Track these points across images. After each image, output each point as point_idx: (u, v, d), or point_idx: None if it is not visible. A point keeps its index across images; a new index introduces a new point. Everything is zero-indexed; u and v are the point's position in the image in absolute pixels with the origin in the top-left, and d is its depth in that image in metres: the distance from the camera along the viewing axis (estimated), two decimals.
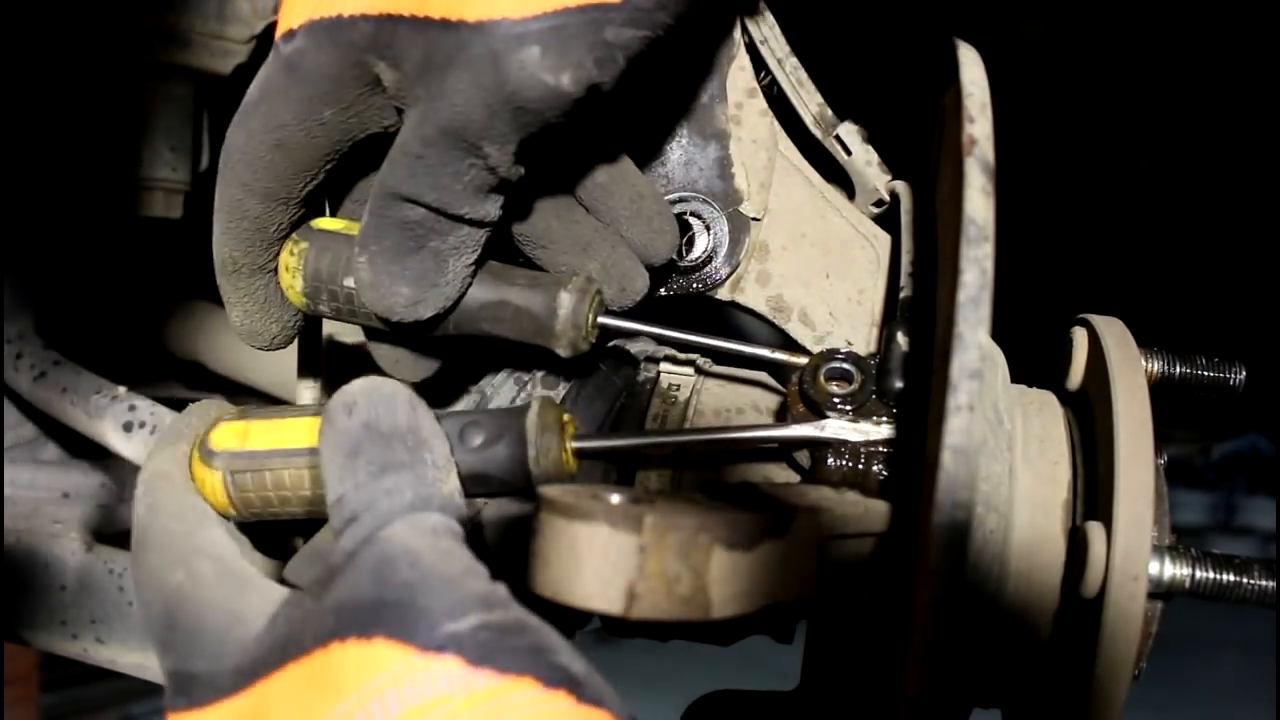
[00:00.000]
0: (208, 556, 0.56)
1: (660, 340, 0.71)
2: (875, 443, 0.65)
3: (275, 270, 0.68)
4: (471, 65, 0.56)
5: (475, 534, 0.64)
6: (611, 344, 0.79)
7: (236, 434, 0.62)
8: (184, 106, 1.07)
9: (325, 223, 0.68)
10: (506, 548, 0.69)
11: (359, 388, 0.56)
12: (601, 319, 0.68)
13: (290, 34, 0.60)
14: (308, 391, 0.82)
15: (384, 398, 0.55)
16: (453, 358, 0.75)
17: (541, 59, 0.55)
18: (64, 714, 3.49)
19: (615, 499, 0.54)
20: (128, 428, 0.94)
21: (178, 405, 1.01)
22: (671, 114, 0.77)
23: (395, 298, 0.63)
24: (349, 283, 0.66)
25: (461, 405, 0.80)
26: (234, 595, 0.54)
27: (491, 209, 0.62)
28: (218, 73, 1.07)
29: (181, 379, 1.33)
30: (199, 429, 0.64)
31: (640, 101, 0.62)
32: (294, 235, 0.67)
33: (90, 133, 1.07)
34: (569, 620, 0.68)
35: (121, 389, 0.98)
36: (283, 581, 0.62)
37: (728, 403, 0.76)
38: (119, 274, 1.29)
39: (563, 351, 0.67)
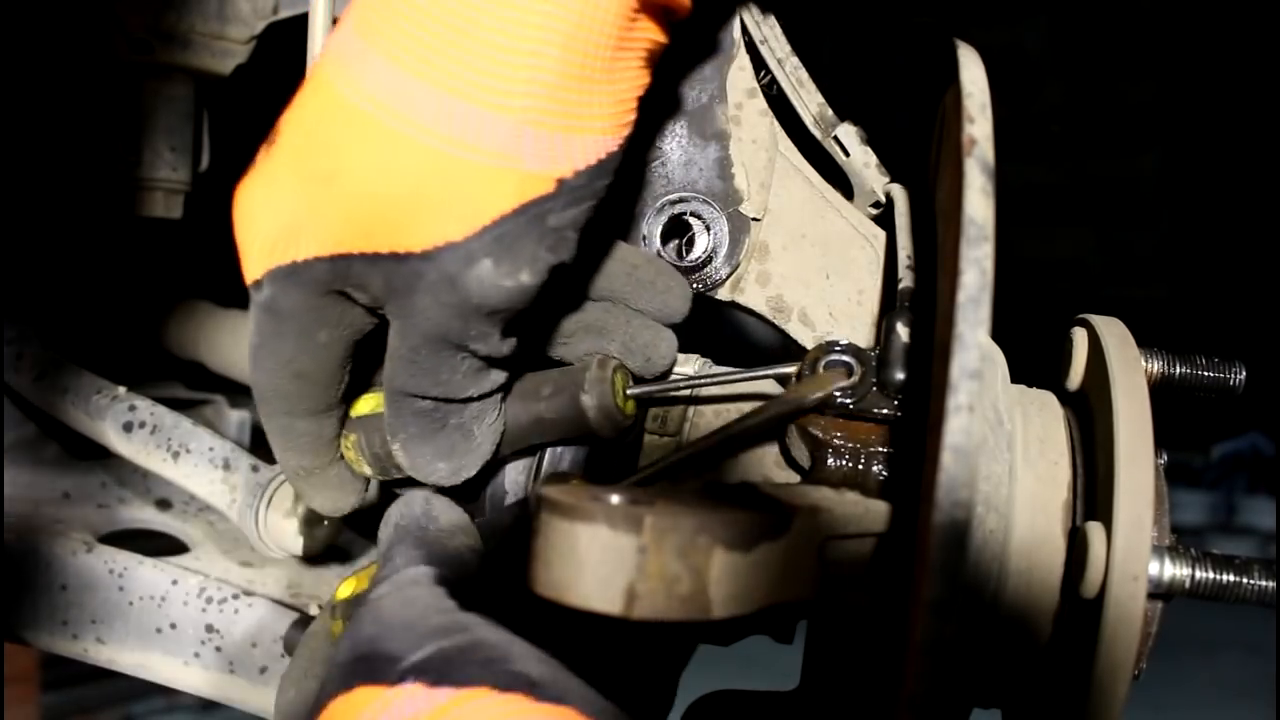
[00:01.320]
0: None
1: (693, 385, 0.73)
2: (874, 440, 0.65)
3: (341, 458, 0.72)
4: (431, 289, 0.58)
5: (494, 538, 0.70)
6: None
7: (354, 584, 0.71)
8: (184, 106, 1.07)
9: (363, 404, 0.71)
10: (507, 548, 0.69)
11: (394, 503, 0.69)
12: (631, 391, 0.70)
13: (257, 284, 0.62)
14: None
15: (404, 502, 0.69)
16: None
17: (496, 268, 0.57)
18: (64, 714, 3.49)
19: (615, 499, 0.54)
20: (128, 428, 0.94)
21: (178, 405, 1.01)
22: (672, 114, 0.77)
23: (437, 473, 0.68)
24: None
25: None
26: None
27: (496, 379, 0.66)
28: (218, 73, 1.07)
29: (181, 379, 1.33)
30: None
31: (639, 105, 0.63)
32: (345, 430, 0.71)
33: (90, 133, 1.07)
34: (571, 620, 0.68)
35: (121, 389, 0.98)
36: None
37: (727, 402, 0.75)
38: (119, 274, 1.29)
39: (609, 436, 0.70)
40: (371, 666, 0.51)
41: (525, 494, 0.75)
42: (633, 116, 0.61)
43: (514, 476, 0.76)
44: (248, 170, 0.62)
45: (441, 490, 0.71)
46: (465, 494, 0.73)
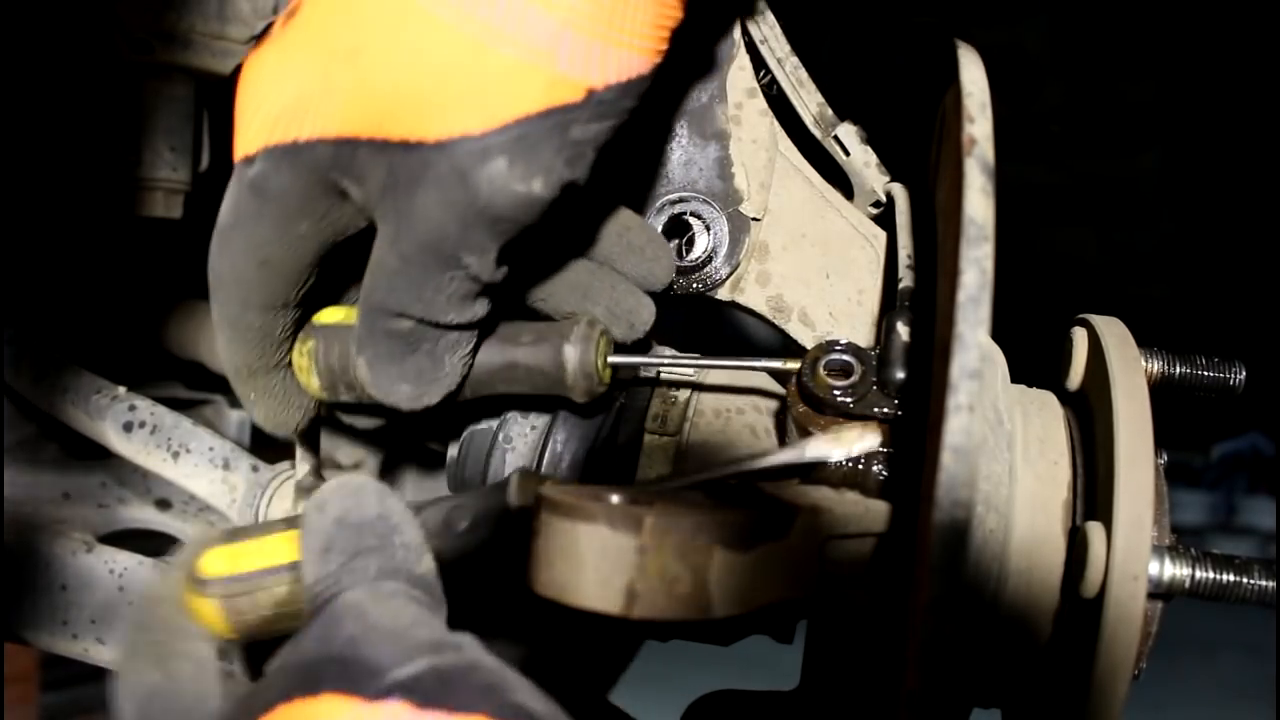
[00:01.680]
0: (187, 659, 0.57)
1: (672, 366, 0.72)
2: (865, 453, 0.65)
3: (288, 365, 0.69)
4: (439, 184, 0.56)
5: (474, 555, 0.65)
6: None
7: (227, 558, 0.63)
8: (184, 106, 1.07)
9: (328, 314, 0.68)
10: (508, 548, 0.69)
11: (330, 487, 0.58)
12: (612, 359, 0.68)
13: (249, 159, 0.59)
14: (304, 465, 0.84)
15: (353, 493, 0.57)
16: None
17: (510, 169, 0.55)
18: (65, 714, 3.49)
19: (615, 499, 0.54)
20: (128, 428, 0.94)
21: (178, 405, 1.01)
22: (671, 114, 0.77)
23: (398, 395, 0.64)
24: (349, 365, 0.67)
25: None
26: (209, 687, 0.55)
27: (479, 310, 0.63)
28: (218, 73, 1.07)
29: (181, 379, 1.33)
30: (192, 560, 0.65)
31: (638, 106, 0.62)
32: (301, 335, 0.68)
33: (90, 133, 1.07)
34: (571, 620, 0.68)
35: (121, 389, 0.98)
36: None
37: (727, 403, 0.76)
38: (119, 274, 1.29)
39: (579, 399, 0.68)
40: (347, 673, 0.46)
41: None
42: (665, 47, 0.58)
43: (515, 463, 0.76)
44: (259, 42, 0.60)
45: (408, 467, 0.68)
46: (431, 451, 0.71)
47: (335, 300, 0.70)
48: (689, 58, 0.77)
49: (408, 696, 0.44)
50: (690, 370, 0.77)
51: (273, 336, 0.66)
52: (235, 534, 0.66)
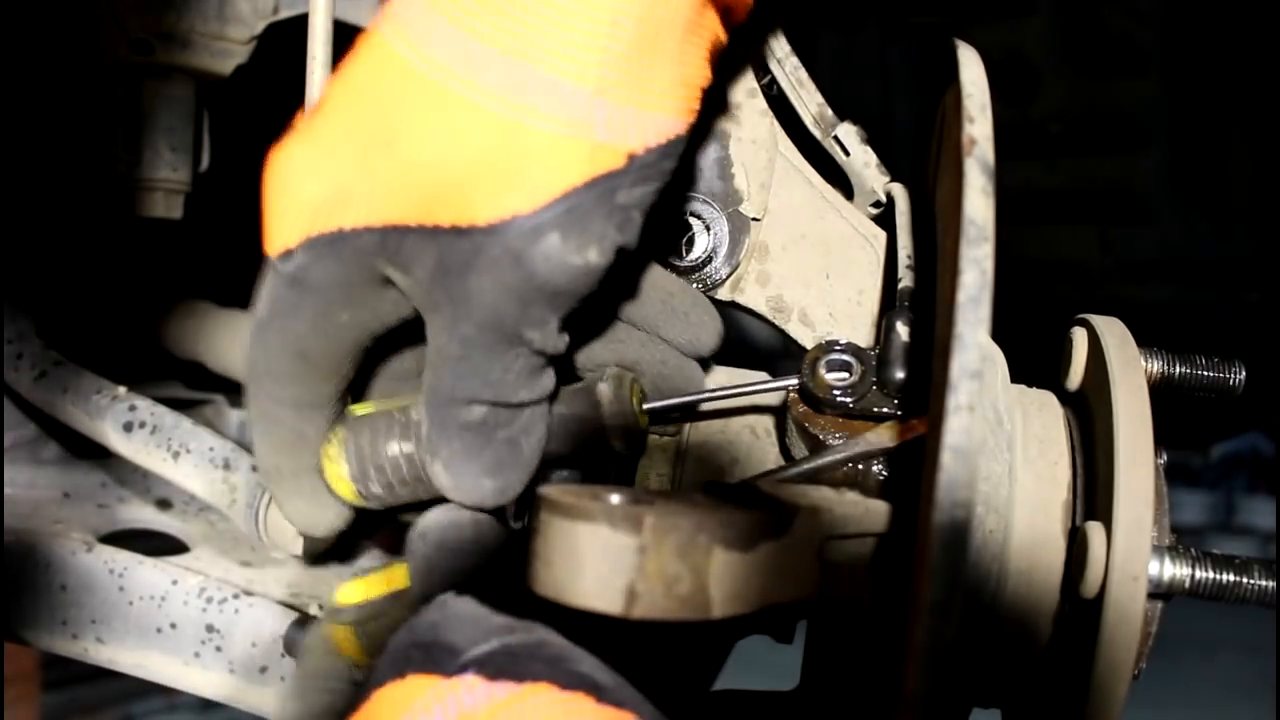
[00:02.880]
0: (329, 691, 0.63)
1: (701, 400, 0.72)
2: (878, 451, 0.65)
3: (319, 468, 0.67)
4: (494, 267, 0.55)
5: None
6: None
7: (359, 589, 0.69)
8: (184, 106, 1.07)
9: (357, 409, 0.67)
10: (508, 549, 0.69)
11: (431, 517, 0.64)
12: (648, 405, 0.68)
13: (288, 253, 0.58)
14: None
15: (452, 522, 0.63)
16: None
17: (564, 244, 0.55)
18: (65, 713, 3.49)
19: (615, 499, 0.54)
20: (128, 428, 0.94)
21: (178, 405, 1.01)
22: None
23: (482, 492, 0.63)
24: (394, 453, 0.65)
25: None
26: (340, 703, 0.61)
27: (547, 384, 0.62)
28: (218, 73, 1.07)
29: (181, 379, 1.33)
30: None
31: None
32: (330, 448, 0.66)
33: (90, 133, 1.07)
34: (571, 620, 0.68)
35: (121, 389, 0.98)
36: None
37: (727, 401, 0.75)
38: (119, 274, 1.29)
39: (619, 446, 0.67)
40: (429, 655, 0.49)
41: None
42: (697, 106, 0.58)
43: None
44: (281, 138, 0.59)
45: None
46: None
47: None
48: None
49: (480, 670, 0.47)
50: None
51: (305, 437, 0.65)
52: (364, 571, 0.71)
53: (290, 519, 0.69)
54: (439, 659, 0.48)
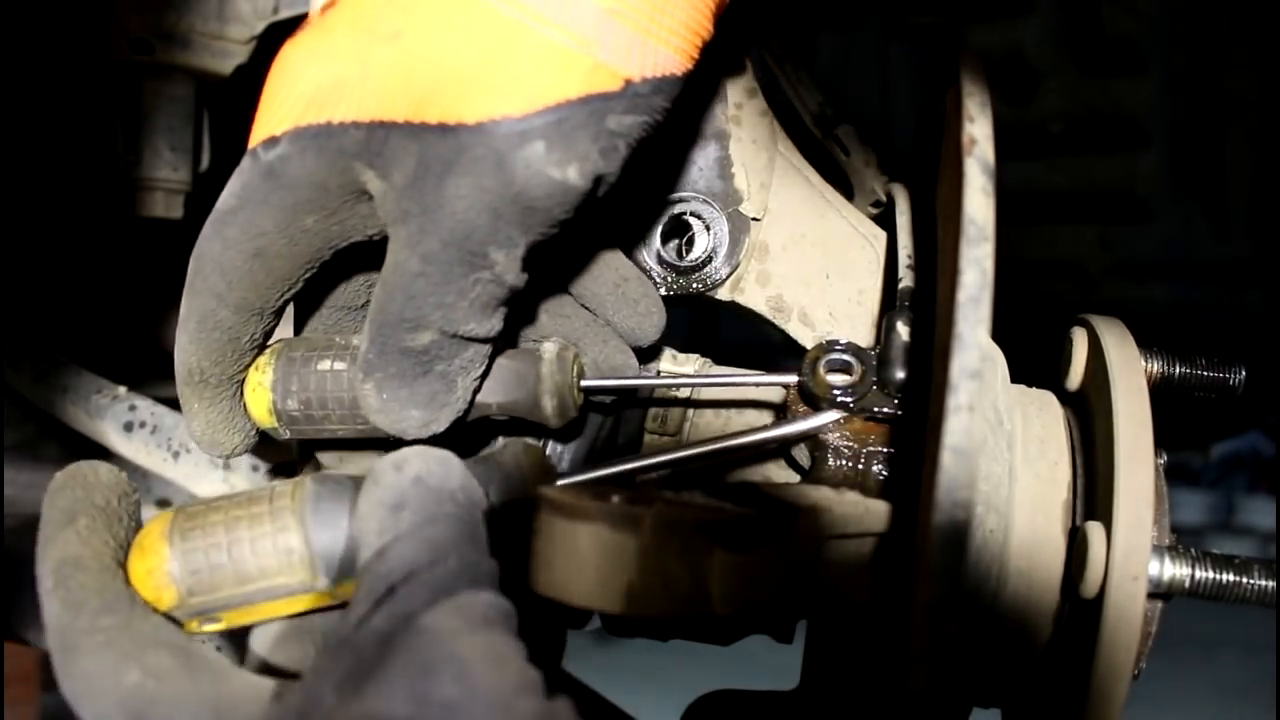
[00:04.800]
0: (161, 647, 0.49)
1: (645, 389, 0.71)
2: (874, 440, 0.65)
3: (242, 383, 0.65)
4: (473, 168, 0.55)
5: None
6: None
7: (190, 518, 0.56)
8: (184, 106, 1.07)
9: (291, 341, 0.66)
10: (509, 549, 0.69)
11: (413, 449, 0.54)
12: (585, 383, 0.67)
13: (272, 140, 0.57)
14: (305, 464, 0.77)
15: (439, 459, 0.54)
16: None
17: (547, 154, 0.54)
18: (65, 714, 3.49)
19: (615, 499, 0.54)
20: (128, 428, 0.94)
21: (178, 405, 1.01)
22: (671, 114, 0.77)
23: (407, 421, 0.62)
24: (323, 368, 0.63)
25: None
26: (211, 685, 0.48)
27: (498, 322, 0.61)
28: (218, 73, 1.07)
29: None
30: (94, 498, 0.56)
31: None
32: (261, 358, 0.64)
33: (90, 133, 1.07)
34: (569, 619, 0.68)
35: (121, 389, 0.98)
36: (267, 669, 0.57)
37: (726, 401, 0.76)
38: (119, 274, 1.29)
39: (553, 422, 0.66)
40: None
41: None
42: (697, 55, 0.59)
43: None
44: (295, 33, 0.59)
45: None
46: None
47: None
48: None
49: None
50: (696, 363, 0.77)
51: (238, 343, 0.63)
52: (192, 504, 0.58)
53: (194, 435, 0.67)
54: None
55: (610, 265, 0.70)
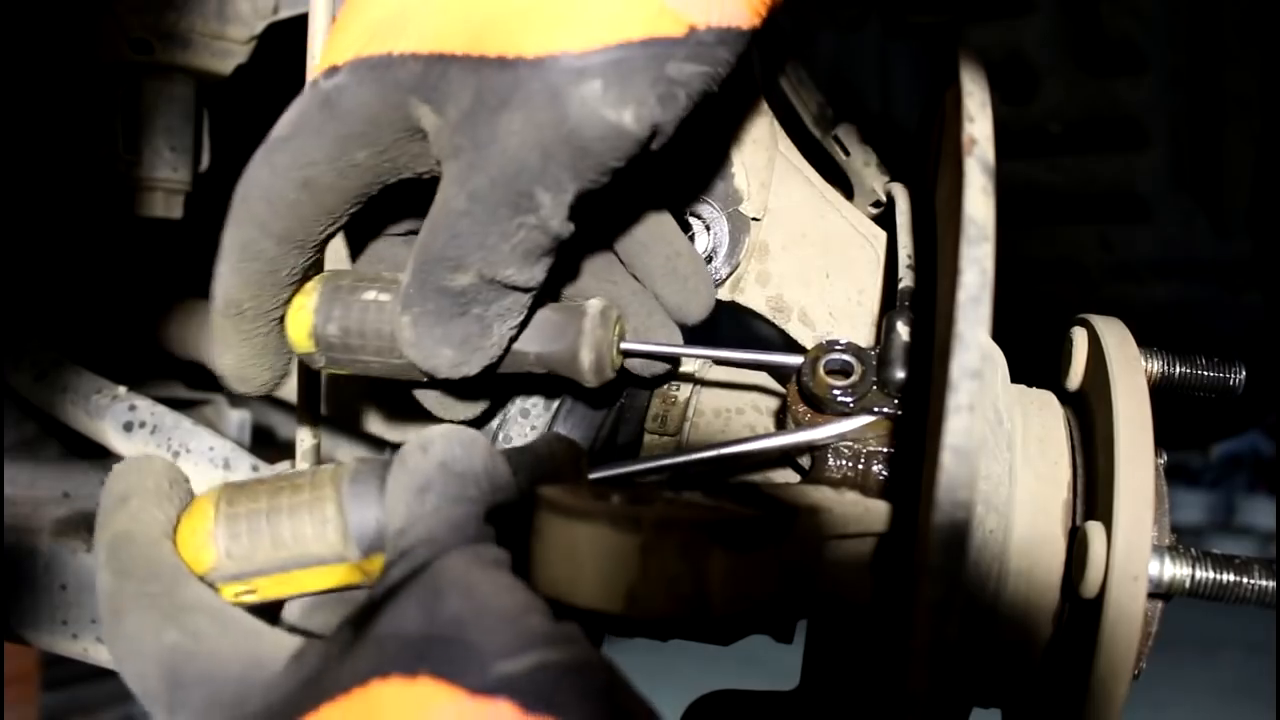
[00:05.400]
0: (199, 610, 0.51)
1: (684, 356, 0.70)
2: (874, 440, 0.65)
3: (281, 317, 0.64)
4: (528, 103, 0.54)
5: None
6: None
7: (236, 495, 0.57)
8: (184, 106, 1.07)
9: (339, 273, 0.65)
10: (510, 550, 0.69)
11: (438, 431, 0.55)
12: (624, 345, 0.67)
13: (333, 70, 0.57)
14: (307, 437, 0.77)
15: (463, 441, 0.54)
16: (497, 394, 0.74)
17: (604, 94, 0.53)
18: (65, 713, 3.49)
19: (616, 499, 0.54)
20: (128, 428, 0.94)
21: (178, 405, 1.01)
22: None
23: (439, 359, 0.61)
24: (368, 298, 0.63)
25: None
26: (243, 642, 0.50)
27: (539, 273, 0.60)
28: (218, 73, 1.07)
29: (181, 379, 1.33)
30: (145, 482, 0.58)
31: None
32: (307, 286, 0.64)
33: (90, 133, 1.07)
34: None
35: (122, 389, 0.98)
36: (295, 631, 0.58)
37: (727, 402, 0.76)
38: (119, 274, 1.29)
39: (590, 381, 0.65)
40: (451, 657, 0.42)
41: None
42: (765, 14, 0.57)
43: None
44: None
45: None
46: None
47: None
48: None
49: (515, 697, 0.41)
50: (697, 362, 0.77)
51: (278, 275, 0.62)
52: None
53: (224, 369, 0.66)
54: (463, 665, 0.42)
55: (664, 238, 0.69)
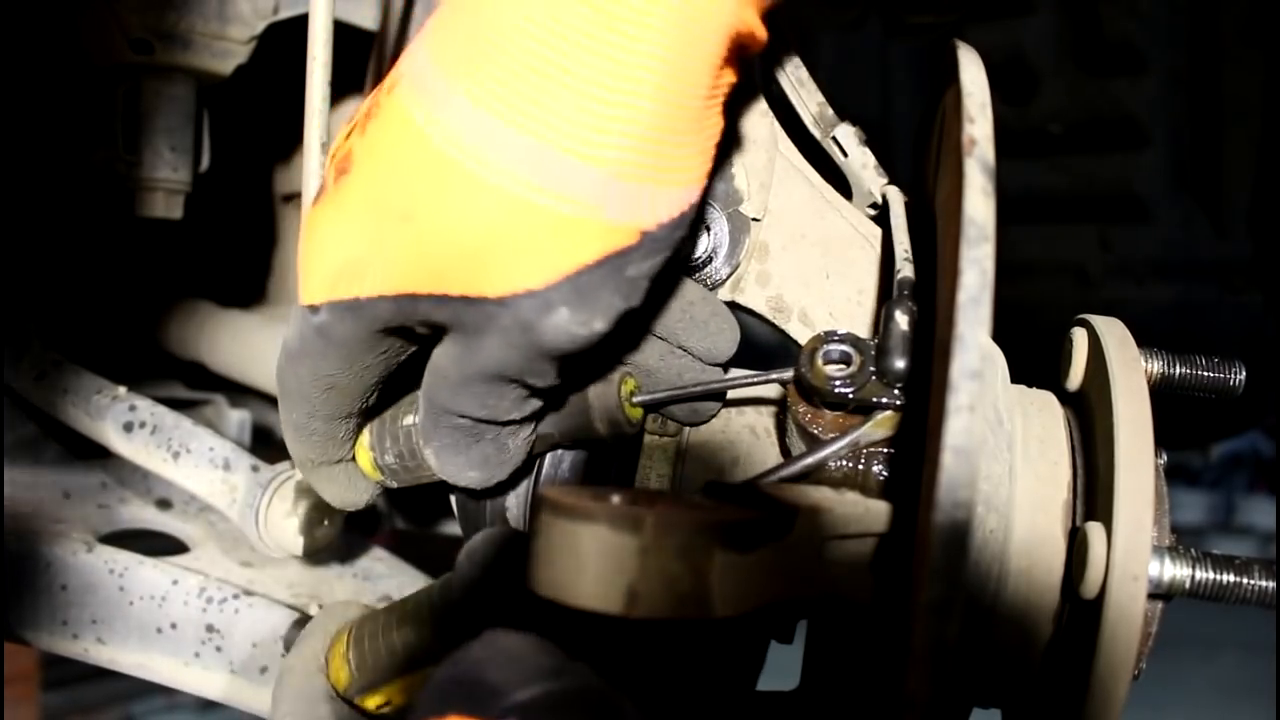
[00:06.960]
0: (329, 713, 0.67)
1: (696, 394, 0.72)
2: (875, 442, 0.65)
3: (351, 459, 0.73)
4: (503, 332, 0.58)
5: None
6: None
7: (381, 695, 0.71)
8: (184, 106, 1.07)
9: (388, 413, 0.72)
10: (510, 552, 0.69)
11: (480, 536, 0.69)
12: (638, 398, 0.70)
13: (314, 308, 0.61)
14: None
15: (497, 542, 0.67)
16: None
17: (572, 317, 0.56)
18: (65, 713, 3.49)
19: (615, 499, 0.54)
20: (128, 428, 0.94)
21: (178, 405, 1.01)
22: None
23: (467, 478, 0.68)
24: (408, 423, 0.71)
25: None
26: None
27: (539, 402, 0.65)
28: (218, 73, 1.07)
29: (181, 379, 1.33)
30: (328, 626, 0.74)
31: None
32: (365, 431, 0.72)
33: (90, 133, 1.07)
34: (571, 620, 0.67)
35: (122, 389, 0.98)
36: None
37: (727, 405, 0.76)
38: (119, 274, 1.29)
39: (603, 430, 0.70)
40: (471, 695, 0.48)
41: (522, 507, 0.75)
42: (710, 165, 0.60)
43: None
44: (319, 196, 0.61)
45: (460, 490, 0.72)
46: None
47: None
48: None
49: (523, 717, 0.45)
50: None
51: (335, 438, 0.70)
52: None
53: (329, 500, 0.75)
54: (482, 700, 0.47)
55: (675, 292, 0.71)
